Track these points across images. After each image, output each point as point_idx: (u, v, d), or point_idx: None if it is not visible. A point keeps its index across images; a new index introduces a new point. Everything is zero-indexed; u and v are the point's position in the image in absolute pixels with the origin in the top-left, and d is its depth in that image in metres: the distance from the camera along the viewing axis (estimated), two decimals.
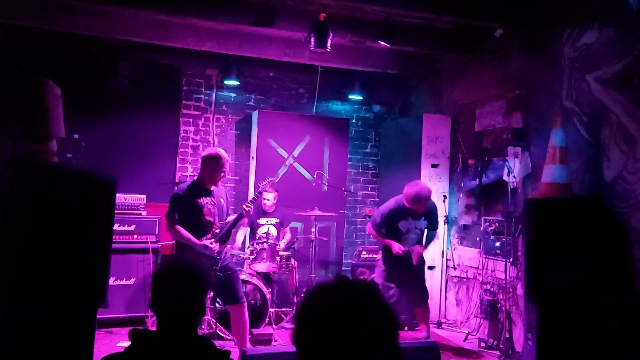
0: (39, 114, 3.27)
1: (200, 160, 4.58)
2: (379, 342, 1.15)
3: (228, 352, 1.75)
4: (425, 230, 5.23)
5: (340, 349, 1.13)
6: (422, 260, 5.21)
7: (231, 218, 4.54)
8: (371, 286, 1.25)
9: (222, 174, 4.42)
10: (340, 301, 1.18)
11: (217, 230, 4.38)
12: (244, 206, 4.50)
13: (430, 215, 5.19)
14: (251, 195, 6.58)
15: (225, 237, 4.41)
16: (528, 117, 5.28)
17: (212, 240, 4.29)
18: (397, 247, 5.01)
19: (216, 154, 4.39)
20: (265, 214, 6.08)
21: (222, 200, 4.51)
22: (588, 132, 4.53)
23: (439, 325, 6.10)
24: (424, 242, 5.27)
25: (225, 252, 4.45)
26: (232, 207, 6.15)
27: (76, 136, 5.53)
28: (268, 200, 6.01)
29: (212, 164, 4.36)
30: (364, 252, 6.45)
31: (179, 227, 4.27)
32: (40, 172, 2.83)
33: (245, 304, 4.50)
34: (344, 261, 7.07)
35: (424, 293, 5.19)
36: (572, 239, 3.20)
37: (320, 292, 1.23)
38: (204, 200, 4.36)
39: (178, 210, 4.30)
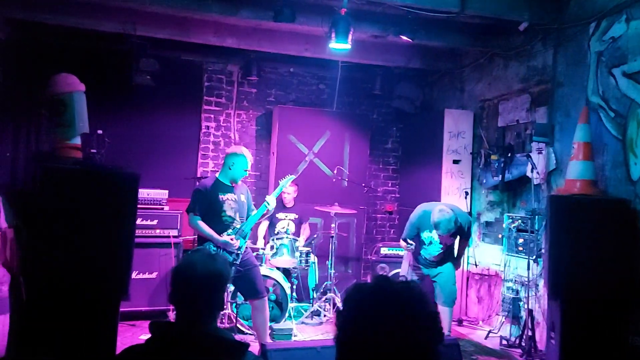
0: (64, 110, 3.32)
1: (223, 156, 4.63)
2: (418, 344, 1.14)
3: (247, 344, 1.76)
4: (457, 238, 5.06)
5: (380, 350, 1.12)
6: (453, 260, 5.08)
7: (255, 213, 4.56)
8: (413, 287, 1.23)
9: (245, 173, 4.47)
10: (381, 303, 1.17)
11: (238, 226, 4.41)
12: (268, 197, 4.55)
13: (460, 232, 4.94)
14: (271, 191, 6.61)
15: (246, 232, 4.45)
16: (552, 112, 5.19)
17: (233, 236, 4.33)
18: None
19: (240, 153, 4.44)
20: (284, 208, 6.10)
21: (242, 197, 4.54)
22: (614, 128, 4.43)
23: (460, 322, 6.05)
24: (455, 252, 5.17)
25: (247, 248, 4.48)
26: (252, 203, 6.17)
27: (100, 132, 5.62)
28: (289, 194, 6.03)
29: (235, 162, 4.41)
30: (383, 248, 6.43)
31: (200, 222, 4.32)
32: (65, 167, 2.88)
33: (267, 298, 4.53)
34: (363, 257, 7.06)
35: (451, 294, 4.98)
36: (596, 237, 3.14)
37: (360, 293, 1.23)
38: (225, 196, 4.40)
39: (199, 205, 4.35)
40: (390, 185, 7.83)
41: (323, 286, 6.07)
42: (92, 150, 5.48)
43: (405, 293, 1.20)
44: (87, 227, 2.69)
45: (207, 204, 4.35)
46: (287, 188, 5.89)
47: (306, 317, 5.70)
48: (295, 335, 5.10)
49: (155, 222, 5.68)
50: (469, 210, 6.16)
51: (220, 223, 4.36)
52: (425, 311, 1.18)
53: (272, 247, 5.51)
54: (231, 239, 4.30)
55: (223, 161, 4.58)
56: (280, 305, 5.33)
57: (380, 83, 7.20)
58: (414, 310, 1.17)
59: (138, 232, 5.15)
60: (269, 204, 4.53)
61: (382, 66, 6.90)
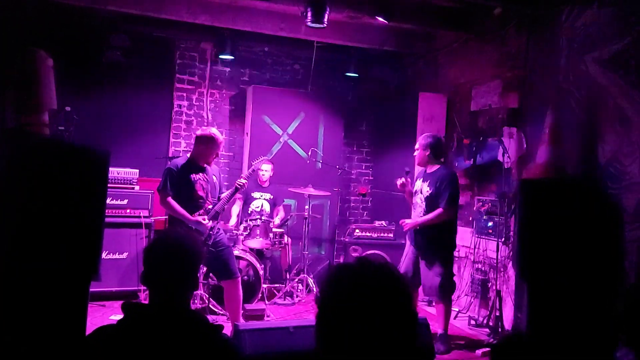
0: (31, 85, 3.22)
1: (194, 138, 4.56)
2: (398, 325, 1.16)
3: (220, 327, 1.76)
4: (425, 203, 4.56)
5: (360, 330, 1.14)
6: (430, 244, 4.63)
7: (225, 194, 4.53)
8: (392, 267, 1.25)
9: (215, 155, 4.43)
10: (363, 283, 1.18)
11: (210, 206, 4.38)
12: (238, 180, 4.49)
13: (438, 184, 4.47)
14: (245, 172, 6.57)
15: (218, 213, 4.42)
16: (524, 98, 5.26)
17: (205, 217, 4.30)
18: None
19: (210, 135, 4.38)
20: (260, 187, 6.08)
21: (214, 178, 4.52)
22: (584, 113, 4.52)
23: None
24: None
25: (219, 228, 4.45)
26: (225, 184, 6.13)
27: (68, 108, 5.46)
28: (266, 171, 6.00)
29: (205, 145, 4.35)
30: (357, 230, 6.47)
31: (172, 202, 4.27)
32: (32, 144, 2.79)
33: (240, 279, 4.52)
34: (337, 239, 7.10)
35: (433, 284, 4.58)
36: (564, 219, 3.22)
37: (341, 272, 1.24)
38: (197, 176, 4.35)
39: (170, 184, 4.30)
40: (364, 167, 7.87)
41: (296, 267, 6.10)
42: (60, 128, 5.34)
43: (386, 272, 1.21)
44: (56, 205, 2.63)
45: (178, 183, 4.30)
46: (264, 166, 5.88)
47: (279, 298, 5.72)
48: (267, 316, 5.13)
49: (125, 201, 5.59)
50: None
51: (191, 203, 4.32)
52: (403, 292, 1.20)
53: (245, 228, 5.50)
54: (203, 219, 4.27)
55: (194, 141, 4.52)
56: (253, 286, 5.33)
57: (356, 65, 7.17)
58: (393, 290, 1.18)
59: (108, 212, 5.09)
60: (240, 186, 4.49)
61: (357, 48, 6.86)
